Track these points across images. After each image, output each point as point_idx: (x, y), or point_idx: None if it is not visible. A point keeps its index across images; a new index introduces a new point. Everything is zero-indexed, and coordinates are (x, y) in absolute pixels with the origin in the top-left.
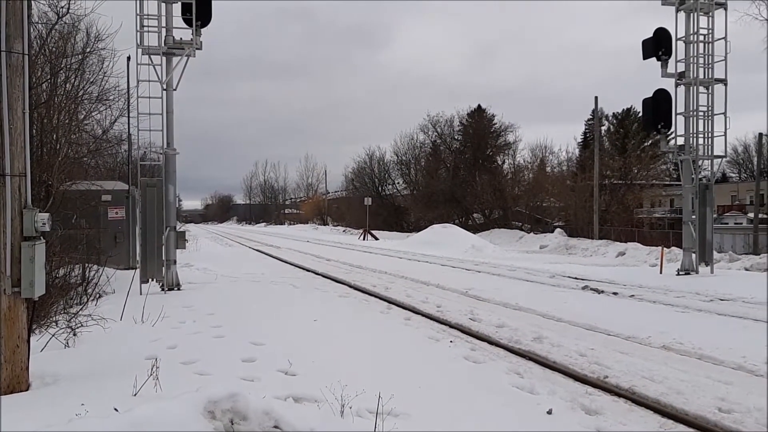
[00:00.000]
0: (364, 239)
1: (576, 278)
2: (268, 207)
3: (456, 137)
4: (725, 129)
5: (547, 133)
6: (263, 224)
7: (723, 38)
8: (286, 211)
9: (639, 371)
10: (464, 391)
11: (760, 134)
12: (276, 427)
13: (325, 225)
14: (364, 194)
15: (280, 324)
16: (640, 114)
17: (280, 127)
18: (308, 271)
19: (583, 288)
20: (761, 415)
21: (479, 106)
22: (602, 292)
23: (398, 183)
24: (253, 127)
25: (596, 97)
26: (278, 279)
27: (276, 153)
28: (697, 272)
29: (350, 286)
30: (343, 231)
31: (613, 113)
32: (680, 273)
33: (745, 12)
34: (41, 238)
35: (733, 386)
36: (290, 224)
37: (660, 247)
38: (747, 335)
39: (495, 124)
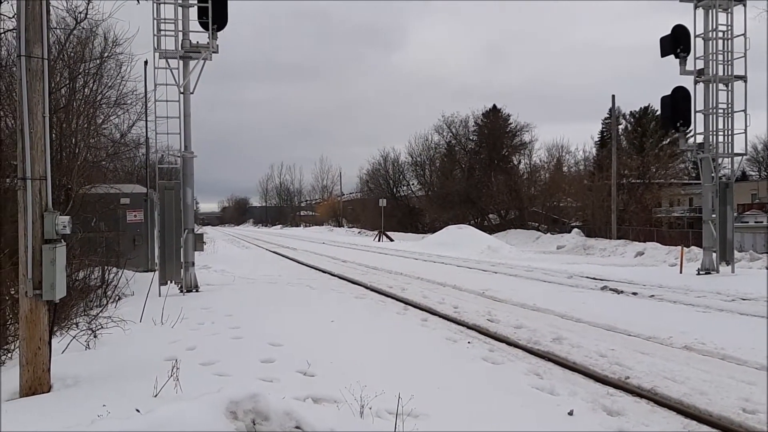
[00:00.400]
0: (379, 240)
1: (594, 278)
2: (283, 209)
3: (471, 137)
4: (745, 126)
5: (563, 132)
6: (279, 226)
7: (742, 35)
8: (302, 213)
9: (661, 372)
10: (483, 392)
11: None
12: (297, 427)
13: (340, 227)
14: (378, 196)
15: (298, 325)
16: (658, 112)
17: (294, 129)
18: (324, 272)
19: (602, 288)
20: None
21: (494, 105)
22: (621, 292)
23: (413, 184)
24: (269, 129)
25: (613, 96)
26: (295, 280)
27: (291, 155)
28: (717, 272)
29: (366, 288)
30: (358, 232)
31: (631, 112)
32: (700, 272)
33: (764, 9)
34: (62, 240)
35: (757, 386)
36: (306, 226)
37: (679, 247)
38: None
39: (510, 123)
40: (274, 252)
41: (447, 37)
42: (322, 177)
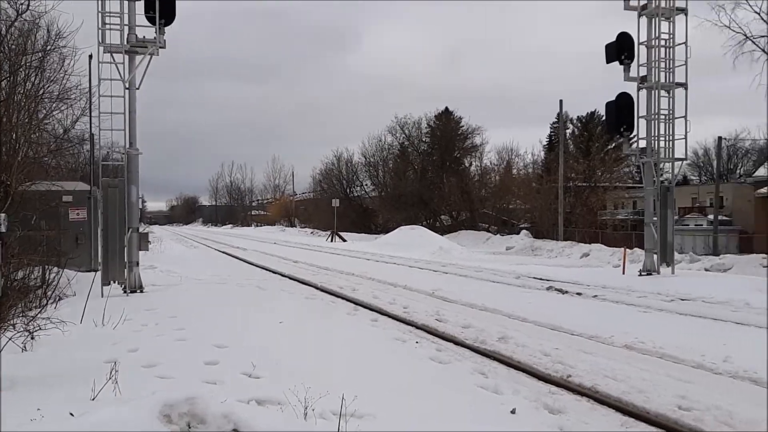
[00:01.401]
0: (331, 241)
1: (541, 279)
2: (234, 209)
3: (424, 139)
4: (686, 132)
5: (513, 136)
6: (229, 226)
7: (683, 43)
8: (253, 213)
9: (602, 370)
10: (430, 392)
11: (720, 138)
12: (235, 430)
13: (292, 227)
14: (331, 196)
15: (245, 326)
16: (604, 117)
17: (247, 129)
18: (275, 273)
19: (548, 288)
20: (720, 412)
21: (446, 108)
22: (566, 292)
23: (366, 185)
24: (220, 128)
25: (561, 101)
26: (244, 281)
27: (243, 154)
28: (658, 273)
29: (317, 288)
30: (311, 233)
31: (578, 116)
32: (642, 273)
33: (705, 18)
34: None
35: (693, 384)
36: (257, 226)
37: (623, 249)
38: (707, 334)
39: (462, 126)
40: (223, 252)
41: (401, 40)
42: (274, 176)
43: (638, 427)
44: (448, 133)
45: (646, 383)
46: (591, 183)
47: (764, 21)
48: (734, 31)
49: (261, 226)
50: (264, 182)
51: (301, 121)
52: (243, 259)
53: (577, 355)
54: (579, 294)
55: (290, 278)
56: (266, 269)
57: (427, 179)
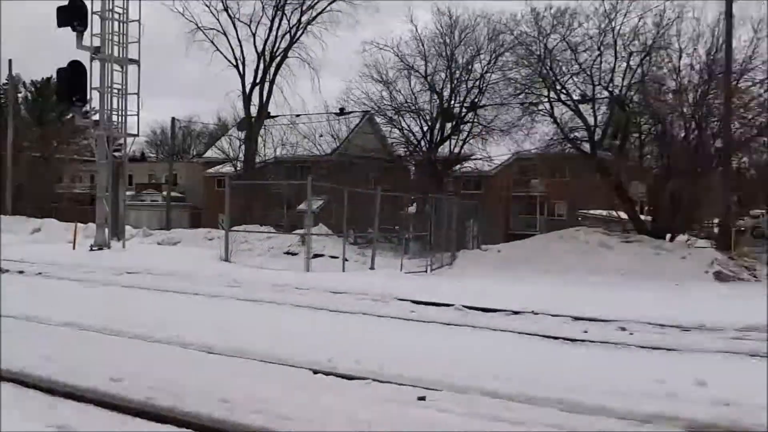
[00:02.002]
0: None
1: None
2: None
3: None
4: (138, 109)
5: None
6: None
7: (137, 21)
8: None
9: (37, 353)
10: None
11: (173, 118)
12: None
13: None
14: None
15: None
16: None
17: None
18: None
19: None
20: (152, 380)
21: None
22: (7, 271)
23: None
24: None
25: (10, 60)
26: None
27: None
28: (110, 247)
29: None
30: None
31: (32, 80)
32: (94, 248)
33: (162, 3)
34: None
35: (131, 356)
36: None
37: (74, 223)
38: (150, 304)
39: None
40: None
41: None
42: None
43: (67, 403)
44: None
45: (83, 361)
46: (46, 154)
47: (214, 16)
48: (188, 20)
49: None
50: None
51: None
52: None
53: (9, 340)
54: (21, 272)
55: None
56: None
57: None
